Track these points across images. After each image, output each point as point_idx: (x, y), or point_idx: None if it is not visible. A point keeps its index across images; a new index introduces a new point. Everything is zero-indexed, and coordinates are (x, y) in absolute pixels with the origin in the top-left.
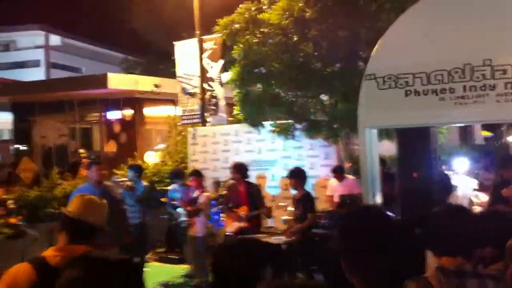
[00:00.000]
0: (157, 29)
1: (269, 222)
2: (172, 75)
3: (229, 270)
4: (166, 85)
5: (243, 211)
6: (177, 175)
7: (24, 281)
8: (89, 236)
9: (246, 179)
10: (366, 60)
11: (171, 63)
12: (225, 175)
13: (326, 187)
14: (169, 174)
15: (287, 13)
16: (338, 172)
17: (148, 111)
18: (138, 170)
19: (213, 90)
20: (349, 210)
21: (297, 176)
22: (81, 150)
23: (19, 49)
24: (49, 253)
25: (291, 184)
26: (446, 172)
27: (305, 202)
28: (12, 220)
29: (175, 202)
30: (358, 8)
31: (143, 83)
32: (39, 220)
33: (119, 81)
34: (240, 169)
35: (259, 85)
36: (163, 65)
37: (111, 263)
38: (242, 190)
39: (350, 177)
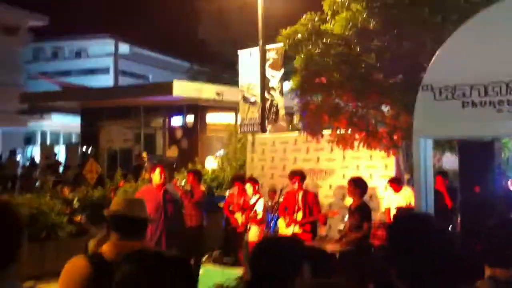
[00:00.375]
0: (223, 39)
1: (325, 231)
2: (235, 84)
3: (265, 267)
4: (228, 93)
5: (298, 217)
6: (239, 180)
7: (81, 275)
8: (137, 230)
9: (303, 187)
10: None
11: (235, 72)
12: (282, 183)
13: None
14: (231, 179)
15: (350, 24)
16: (396, 183)
17: (210, 118)
18: (198, 175)
19: (274, 99)
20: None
21: (356, 185)
22: (144, 154)
23: (90, 56)
24: (104, 248)
25: (349, 192)
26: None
27: (361, 211)
28: (76, 219)
29: (231, 208)
30: (423, 19)
31: (207, 91)
32: (102, 219)
33: (183, 89)
34: (297, 176)
35: (318, 96)
36: (227, 74)
37: (166, 259)
38: (299, 197)
39: (408, 188)
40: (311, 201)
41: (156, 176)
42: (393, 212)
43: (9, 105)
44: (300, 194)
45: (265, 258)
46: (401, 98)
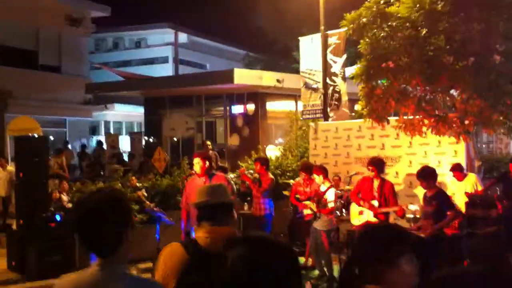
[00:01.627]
0: (278, 27)
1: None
2: (291, 71)
3: (364, 252)
4: (288, 81)
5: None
6: (306, 168)
7: (177, 259)
8: (225, 215)
9: (379, 175)
10: (503, 53)
11: (291, 59)
12: (346, 170)
13: None
14: (300, 167)
15: (417, 6)
16: (458, 171)
17: (270, 105)
18: (265, 163)
19: (336, 85)
20: None
21: (426, 176)
22: (208, 142)
23: (149, 46)
24: (199, 235)
25: (421, 185)
26: None
27: (440, 199)
28: (148, 205)
29: (298, 196)
30: (494, 0)
31: (267, 78)
32: (170, 208)
33: (244, 77)
34: (375, 164)
35: (384, 80)
36: (282, 61)
37: (272, 244)
38: (376, 185)
39: (471, 175)
40: (387, 191)
41: (196, 166)
42: (458, 199)
43: (75, 95)
44: (377, 182)
45: (370, 243)
46: (473, 81)
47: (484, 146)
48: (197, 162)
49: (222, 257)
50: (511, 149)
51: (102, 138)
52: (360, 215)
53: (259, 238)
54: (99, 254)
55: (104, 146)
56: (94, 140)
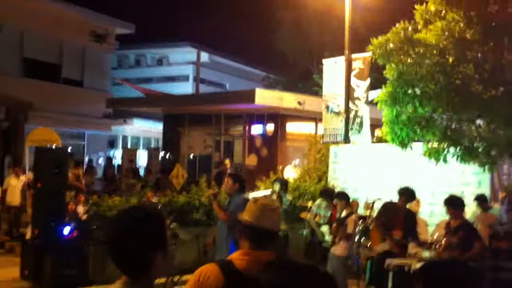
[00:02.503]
0: (299, 49)
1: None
2: (311, 93)
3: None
4: (309, 103)
5: (397, 235)
6: (327, 193)
7: (213, 281)
8: (269, 241)
9: (407, 205)
10: None
11: (311, 81)
12: (365, 195)
13: None
14: (320, 192)
15: (446, 33)
16: (483, 201)
17: (290, 127)
18: (284, 184)
19: (358, 109)
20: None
21: (455, 205)
22: (226, 161)
23: (170, 64)
24: (235, 256)
25: (449, 213)
26: None
27: (467, 230)
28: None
29: (318, 219)
30: None
31: (287, 100)
32: (186, 225)
33: (265, 97)
34: (404, 193)
35: (409, 107)
36: (302, 83)
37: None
38: (401, 214)
39: (496, 206)
40: (412, 222)
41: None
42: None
43: (95, 109)
44: (402, 211)
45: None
46: (503, 111)
47: (504, 177)
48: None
49: (258, 282)
50: None
51: (119, 152)
52: (381, 243)
53: (300, 265)
54: (124, 273)
55: (113, 162)
56: (112, 154)
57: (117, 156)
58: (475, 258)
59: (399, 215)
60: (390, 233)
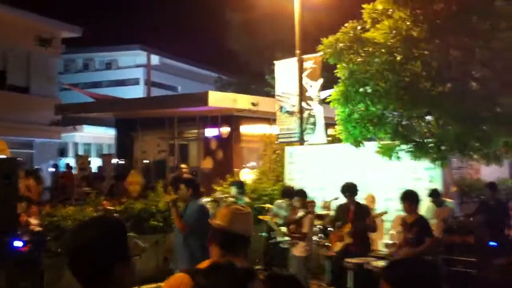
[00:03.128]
0: (250, 50)
1: (379, 246)
2: (264, 94)
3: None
4: (263, 104)
5: (347, 228)
6: (288, 193)
7: None
8: (241, 246)
9: (355, 199)
10: (480, 80)
11: (263, 83)
12: (322, 195)
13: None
14: (281, 191)
15: (393, 32)
16: (436, 196)
17: (245, 129)
18: (241, 186)
19: (312, 109)
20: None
21: (412, 199)
22: (183, 165)
23: (120, 67)
24: (205, 265)
25: (404, 207)
26: None
27: (421, 226)
28: None
29: (276, 219)
30: (471, 27)
31: (241, 101)
32: (144, 232)
33: (218, 99)
34: (348, 189)
35: (361, 105)
36: (255, 84)
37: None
38: (351, 210)
39: (449, 201)
40: (363, 213)
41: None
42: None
43: (43, 116)
44: (352, 207)
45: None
46: (450, 107)
47: (454, 171)
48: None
49: None
50: (482, 175)
51: (70, 160)
52: (338, 242)
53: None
54: (85, 286)
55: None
56: (62, 162)
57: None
58: (425, 253)
59: (349, 211)
60: (341, 231)
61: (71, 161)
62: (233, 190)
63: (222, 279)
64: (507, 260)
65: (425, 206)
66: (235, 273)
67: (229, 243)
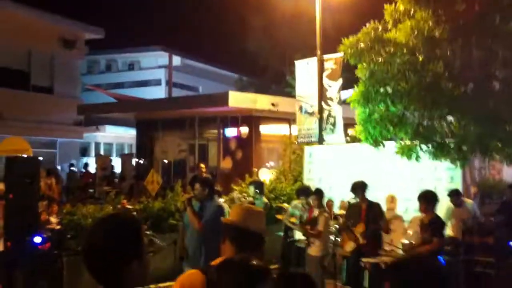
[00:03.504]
0: (271, 51)
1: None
2: (284, 95)
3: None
4: (282, 105)
5: (360, 228)
6: (304, 192)
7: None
8: (255, 244)
9: (366, 197)
10: (503, 80)
11: (284, 83)
12: (341, 194)
13: None
14: (297, 191)
15: (415, 32)
16: (457, 196)
17: (264, 129)
18: (260, 186)
19: (331, 109)
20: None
21: (428, 199)
22: (202, 165)
23: (142, 68)
24: (218, 262)
25: (420, 207)
26: None
27: (434, 226)
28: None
29: (293, 220)
30: (493, 27)
31: (261, 102)
32: (162, 231)
33: (238, 100)
34: (358, 187)
35: (381, 105)
36: (275, 85)
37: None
38: (363, 208)
39: (469, 201)
40: (375, 212)
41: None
42: (455, 225)
43: (66, 117)
44: (364, 205)
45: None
46: (471, 108)
47: (476, 172)
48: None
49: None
50: (504, 175)
51: (92, 159)
52: (350, 241)
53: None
54: (101, 283)
55: (90, 169)
56: (81, 162)
57: (90, 163)
58: (430, 254)
59: (361, 210)
60: (352, 230)
61: (91, 160)
62: (251, 190)
63: (234, 275)
64: None
65: (445, 206)
66: (248, 270)
67: (242, 239)
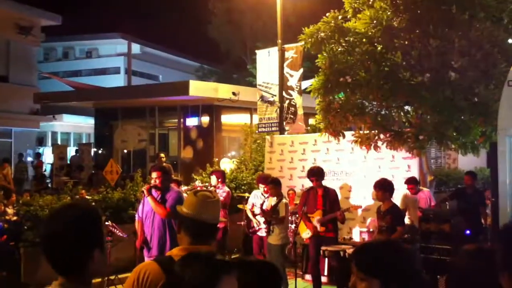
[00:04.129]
0: (232, 39)
1: (353, 234)
2: (245, 84)
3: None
4: (243, 94)
5: (317, 215)
6: (265, 180)
7: (153, 279)
8: (209, 234)
9: (322, 184)
10: (459, 70)
11: (245, 72)
12: (301, 183)
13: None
14: (257, 179)
15: (374, 22)
16: (413, 184)
17: (225, 118)
18: (222, 176)
19: (292, 99)
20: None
21: (385, 188)
22: (162, 155)
23: (100, 56)
24: (175, 252)
25: (377, 195)
26: None
27: (394, 214)
28: None
29: (254, 210)
30: (450, 17)
31: (222, 91)
32: (122, 222)
33: (199, 89)
34: (314, 173)
35: (341, 95)
36: (237, 74)
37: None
38: (319, 194)
39: (425, 189)
40: (332, 199)
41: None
42: (411, 213)
43: (22, 105)
44: (320, 191)
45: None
46: (428, 97)
47: (432, 161)
48: (154, 177)
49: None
50: (459, 164)
51: (49, 149)
52: (308, 228)
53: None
54: (61, 274)
55: (43, 159)
56: (41, 151)
57: (47, 153)
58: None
59: (317, 196)
60: (309, 218)
61: (48, 150)
62: (213, 180)
63: (198, 269)
64: (476, 246)
65: (402, 195)
66: (213, 263)
67: (196, 230)
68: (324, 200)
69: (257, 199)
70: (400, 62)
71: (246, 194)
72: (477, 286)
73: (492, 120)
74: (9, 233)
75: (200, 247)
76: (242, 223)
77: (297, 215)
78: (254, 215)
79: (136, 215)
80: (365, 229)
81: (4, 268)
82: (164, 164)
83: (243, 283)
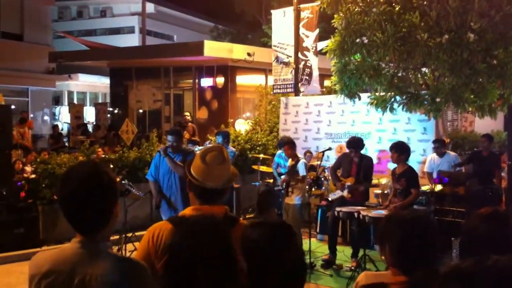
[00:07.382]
0: None
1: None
2: (260, 44)
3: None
4: (258, 55)
5: (349, 181)
6: (287, 143)
7: (168, 238)
8: (216, 197)
9: (360, 153)
10: (477, 32)
11: (260, 32)
12: (316, 145)
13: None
14: (279, 141)
15: None
16: (439, 146)
17: (240, 79)
18: (226, 136)
19: (308, 60)
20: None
21: (401, 150)
22: (187, 113)
23: (114, 15)
24: (188, 212)
25: (392, 157)
26: None
27: (408, 177)
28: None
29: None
30: None
31: (237, 51)
32: (138, 180)
33: (214, 49)
34: (352, 144)
35: (357, 56)
36: (251, 34)
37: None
38: (355, 161)
39: (451, 153)
40: (367, 168)
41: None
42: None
43: (38, 64)
44: (357, 159)
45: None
46: (447, 59)
47: (448, 123)
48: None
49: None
50: (476, 127)
51: (65, 108)
52: (337, 191)
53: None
54: (82, 231)
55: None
56: (57, 111)
57: (63, 112)
58: (412, 204)
59: (352, 163)
60: (341, 181)
61: (65, 109)
62: (218, 140)
63: (204, 229)
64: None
65: (429, 157)
66: (215, 224)
67: (204, 195)
68: (359, 169)
69: (281, 159)
70: (417, 23)
71: (261, 155)
72: (490, 248)
73: (510, 83)
74: (27, 191)
75: (212, 207)
76: (257, 183)
77: (312, 176)
78: (280, 174)
79: (149, 176)
80: (379, 191)
81: (23, 225)
82: (190, 124)
83: (257, 243)
